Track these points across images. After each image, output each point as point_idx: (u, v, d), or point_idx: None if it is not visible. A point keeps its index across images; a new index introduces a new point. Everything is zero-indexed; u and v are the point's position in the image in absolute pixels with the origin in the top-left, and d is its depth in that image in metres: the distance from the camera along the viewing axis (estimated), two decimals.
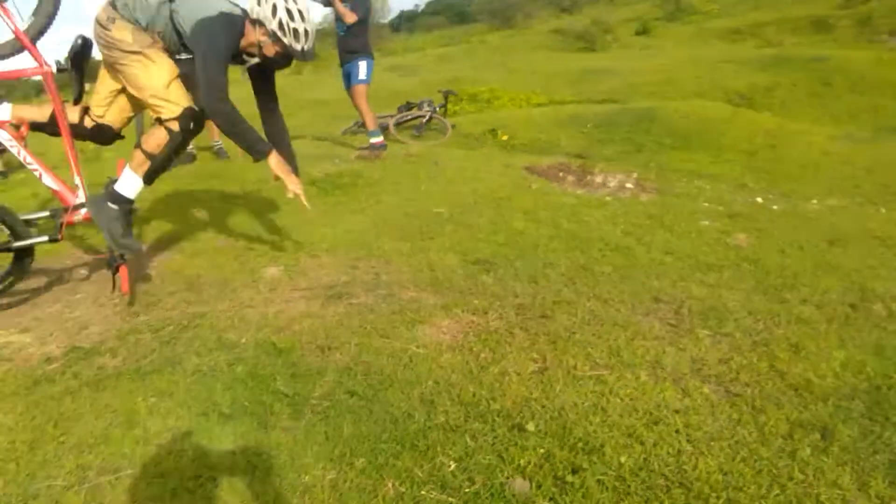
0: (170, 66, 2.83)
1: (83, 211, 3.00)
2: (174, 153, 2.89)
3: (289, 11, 2.79)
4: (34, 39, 3.02)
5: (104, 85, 3.03)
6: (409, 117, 9.34)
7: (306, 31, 2.84)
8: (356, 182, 5.50)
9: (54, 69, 3.00)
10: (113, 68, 2.90)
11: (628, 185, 6.32)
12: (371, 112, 6.68)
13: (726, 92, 12.02)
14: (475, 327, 2.80)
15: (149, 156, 2.84)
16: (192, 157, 6.58)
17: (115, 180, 2.92)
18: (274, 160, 2.96)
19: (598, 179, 6.48)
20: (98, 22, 2.80)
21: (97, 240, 3.88)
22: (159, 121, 2.81)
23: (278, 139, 3.19)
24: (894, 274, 3.60)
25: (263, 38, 2.86)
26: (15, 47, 3.01)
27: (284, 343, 2.63)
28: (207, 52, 2.72)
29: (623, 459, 1.97)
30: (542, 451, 2.00)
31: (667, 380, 2.40)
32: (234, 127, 2.83)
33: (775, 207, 5.50)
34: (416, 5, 74.07)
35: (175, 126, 2.79)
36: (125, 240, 2.88)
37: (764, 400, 2.26)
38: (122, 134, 3.20)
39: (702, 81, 12.88)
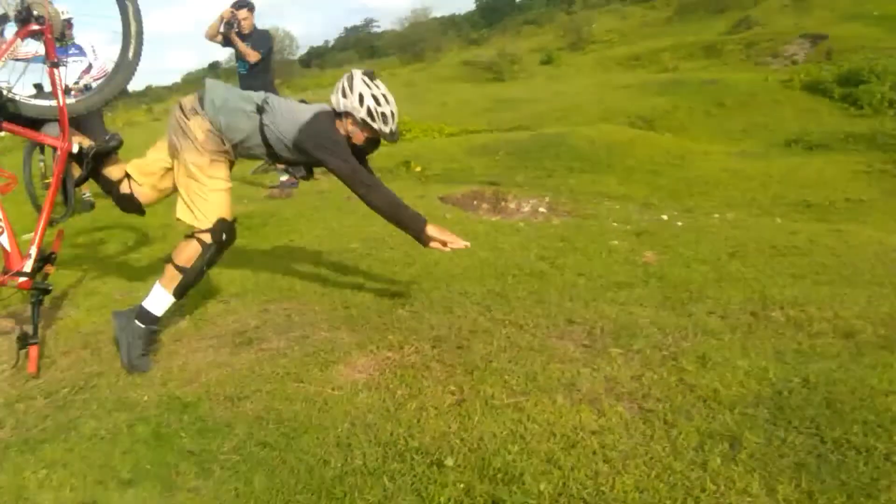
0: (224, 178, 2.87)
1: (20, 279, 2.80)
2: (207, 266, 2.85)
3: (374, 98, 2.86)
4: (80, 114, 2.91)
5: (158, 159, 2.96)
6: None
7: (392, 113, 2.92)
8: (267, 222, 5.38)
9: (75, 149, 2.85)
10: (174, 150, 2.84)
11: (541, 210, 6.46)
12: None
13: (629, 116, 12.57)
14: (391, 363, 2.76)
15: (180, 270, 2.79)
16: (91, 206, 6.29)
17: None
18: (433, 230, 2.93)
19: (512, 205, 6.60)
20: (181, 106, 2.84)
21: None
22: (190, 232, 2.81)
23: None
24: (790, 281, 3.80)
25: (352, 128, 2.93)
26: (54, 115, 2.86)
27: (191, 397, 2.50)
28: (334, 150, 2.83)
29: (542, 487, 1.95)
30: (461, 485, 1.97)
31: (583, 401, 2.42)
32: (395, 208, 2.91)
33: (679, 223, 5.72)
34: (326, 41, 74.25)
35: (207, 238, 2.78)
36: (140, 360, 2.79)
37: (675, 414, 2.31)
38: (145, 210, 3.12)
39: (605, 106, 13.43)
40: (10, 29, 2.87)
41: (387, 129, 2.93)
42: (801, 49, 15.90)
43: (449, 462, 2.07)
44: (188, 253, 2.79)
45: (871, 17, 15.93)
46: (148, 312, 2.81)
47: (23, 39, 2.85)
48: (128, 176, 2.97)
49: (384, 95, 2.89)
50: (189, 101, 2.86)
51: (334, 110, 2.93)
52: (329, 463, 2.10)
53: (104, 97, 3.09)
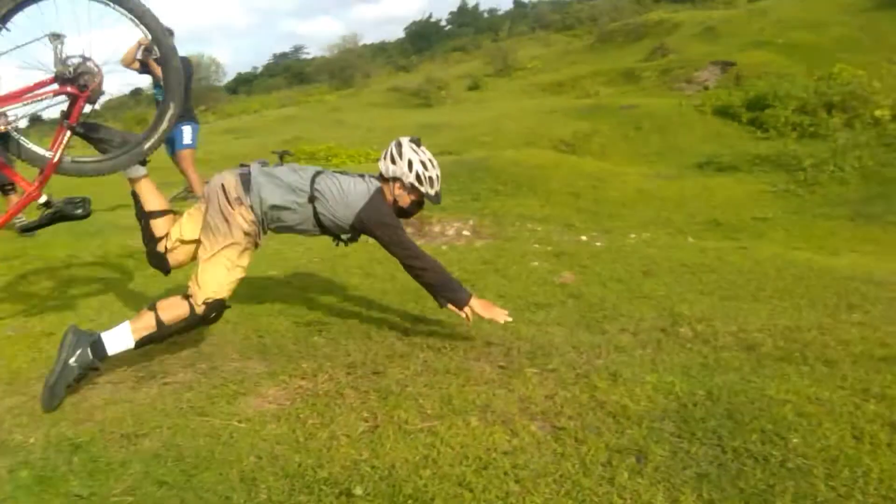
0: (246, 266, 2.89)
1: None
2: (179, 332, 2.78)
3: (422, 163, 2.99)
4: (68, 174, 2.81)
5: (193, 229, 2.89)
6: None
7: (437, 177, 3.06)
8: None
9: (42, 200, 2.84)
10: (212, 229, 2.79)
11: (465, 233, 6.50)
12: (198, 177, 6.43)
13: (552, 140, 12.86)
14: (303, 392, 2.69)
15: (159, 324, 2.69)
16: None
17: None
18: (478, 304, 3.03)
19: (437, 229, 6.61)
20: (224, 188, 2.79)
21: None
22: (188, 294, 2.74)
23: None
24: (699, 297, 3.93)
25: (399, 192, 3.02)
26: (42, 165, 2.75)
27: (83, 436, 2.35)
28: (388, 229, 2.95)
29: None
30: None
31: (496, 422, 2.42)
32: (445, 282, 3.02)
33: (598, 244, 5.86)
34: (255, 67, 73.24)
35: (201, 310, 2.71)
36: (58, 389, 2.60)
37: (585, 430, 2.33)
38: (169, 271, 3.04)
39: (530, 131, 13.69)
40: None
41: (432, 192, 3.05)
42: (712, 75, 16.71)
43: (358, 491, 2.02)
44: (176, 312, 2.71)
45: (775, 44, 16.91)
46: (102, 346, 2.66)
47: (55, 96, 2.70)
48: (166, 237, 2.92)
49: (430, 160, 3.03)
50: (233, 186, 2.80)
51: (381, 176, 3.02)
52: (231, 499, 2.01)
53: (98, 169, 2.84)
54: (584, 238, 6.17)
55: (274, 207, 2.85)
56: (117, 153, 2.83)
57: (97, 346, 2.65)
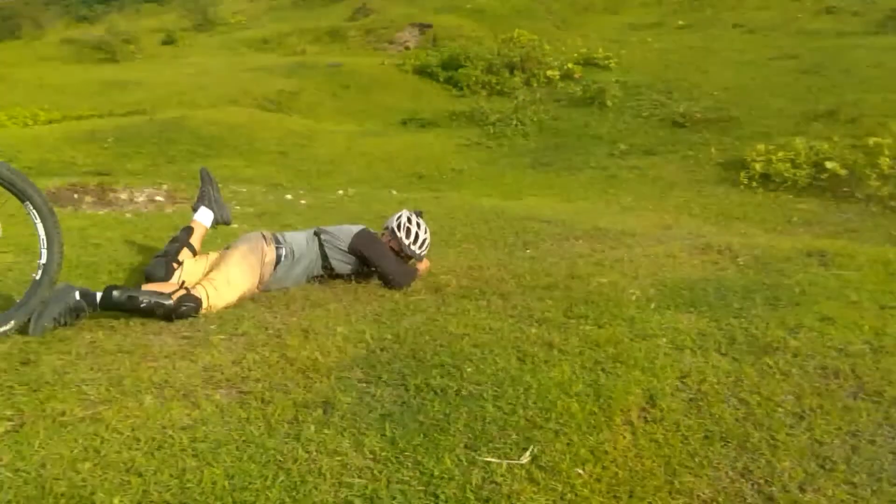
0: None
1: None
2: (156, 312, 2.84)
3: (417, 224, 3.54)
4: None
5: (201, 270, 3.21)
6: None
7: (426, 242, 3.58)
8: None
9: None
10: (249, 268, 3.20)
11: (158, 199, 5.95)
12: None
13: (256, 98, 12.34)
14: None
15: (180, 299, 2.87)
16: None
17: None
18: (423, 266, 3.63)
19: (124, 196, 5.94)
20: (264, 238, 3.30)
21: None
22: (189, 288, 2.94)
23: None
24: None
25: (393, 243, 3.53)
26: None
27: None
28: (382, 255, 3.43)
29: (116, 501, 1.72)
30: None
31: (175, 398, 2.22)
32: (412, 278, 3.47)
33: (303, 202, 5.80)
34: None
35: (201, 307, 2.92)
36: (45, 320, 2.66)
37: (273, 391, 2.26)
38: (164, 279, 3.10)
39: (233, 89, 12.97)
40: None
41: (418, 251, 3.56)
42: (412, 36, 17.45)
43: None
44: (174, 292, 2.88)
45: (465, 9, 18.18)
46: (104, 296, 2.81)
47: None
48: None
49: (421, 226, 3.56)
50: (270, 237, 3.34)
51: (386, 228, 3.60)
52: None
53: None
54: (289, 197, 6.04)
55: (299, 254, 3.37)
56: None
57: (94, 295, 2.81)
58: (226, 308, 3.03)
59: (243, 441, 1.99)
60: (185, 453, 1.92)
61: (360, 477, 1.84)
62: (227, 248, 3.33)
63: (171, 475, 1.83)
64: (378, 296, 3.20)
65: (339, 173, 8.14)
